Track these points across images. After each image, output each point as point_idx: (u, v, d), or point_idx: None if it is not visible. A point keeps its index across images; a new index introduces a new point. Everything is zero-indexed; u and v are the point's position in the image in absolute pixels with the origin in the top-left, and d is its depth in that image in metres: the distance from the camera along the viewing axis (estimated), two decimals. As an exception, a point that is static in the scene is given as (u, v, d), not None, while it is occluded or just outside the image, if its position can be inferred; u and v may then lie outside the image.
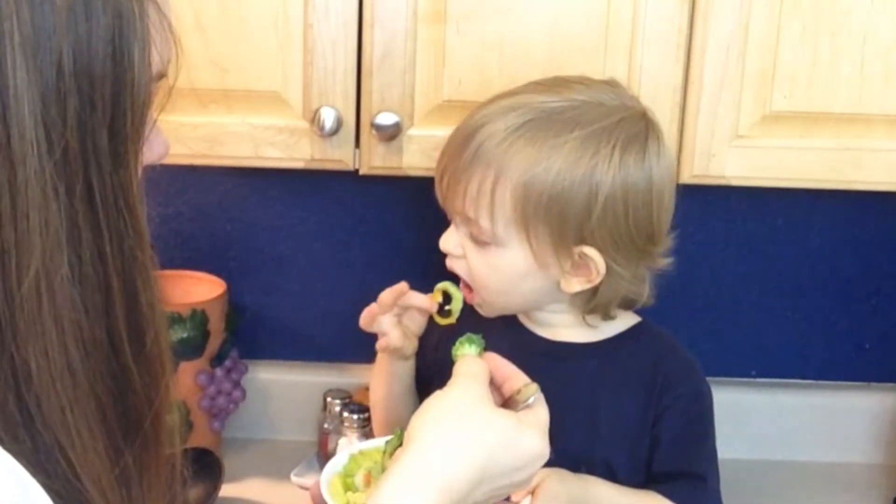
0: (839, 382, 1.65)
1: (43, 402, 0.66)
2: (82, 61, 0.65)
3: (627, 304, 1.24)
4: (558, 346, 1.24)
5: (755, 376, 1.65)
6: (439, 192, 1.20)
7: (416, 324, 1.27)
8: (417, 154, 1.27)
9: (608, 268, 1.15)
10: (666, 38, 1.23)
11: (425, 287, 1.46)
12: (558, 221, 1.13)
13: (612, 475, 1.19)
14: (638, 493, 1.19)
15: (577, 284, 1.17)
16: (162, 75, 0.72)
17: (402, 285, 1.23)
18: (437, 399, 0.89)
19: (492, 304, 1.22)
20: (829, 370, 1.64)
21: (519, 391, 0.93)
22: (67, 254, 0.66)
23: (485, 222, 1.15)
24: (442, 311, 1.23)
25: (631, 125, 1.16)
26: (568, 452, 1.17)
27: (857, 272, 1.61)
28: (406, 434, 0.87)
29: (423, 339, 1.30)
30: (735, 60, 1.23)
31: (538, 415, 0.91)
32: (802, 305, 1.62)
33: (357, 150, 1.27)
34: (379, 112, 1.24)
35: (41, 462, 0.66)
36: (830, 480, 1.58)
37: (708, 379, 1.25)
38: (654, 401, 1.21)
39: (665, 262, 1.21)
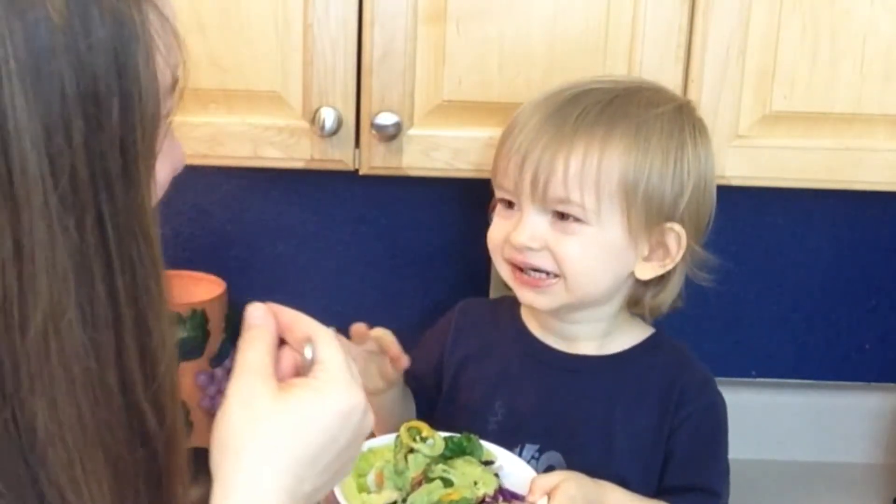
0: (839, 382, 1.65)
1: (49, 458, 0.62)
2: (86, 81, 0.60)
3: (658, 311, 1.24)
4: (573, 359, 1.23)
5: (755, 376, 1.65)
6: (515, 180, 1.14)
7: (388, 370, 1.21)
8: (417, 154, 1.26)
9: (685, 249, 1.16)
10: (666, 38, 1.23)
11: (424, 287, 1.47)
12: (657, 196, 1.14)
13: (624, 488, 1.18)
14: (652, 502, 1.18)
15: (650, 270, 1.17)
16: (175, 82, 0.67)
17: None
18: (220, 418, 0.75)
19: (568, 293, 1.16)
20: (829, 370, 1.64)
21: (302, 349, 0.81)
22: (76, 294, 0.61)
23: (590, 199, 1.12)
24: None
25: (692, 109, 1.20)
26: (582, 466, 1.16)
27: (857, 272, 1.61)
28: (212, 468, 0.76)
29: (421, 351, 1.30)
30: (735, 60, 1.23)
31: (327, 367, 0.78)
32: (802, 305, 1.62)
33: (357, 150, 1.27)
34: (379, 112, 1.24)
35: None
36: (830, 480, 1.58)
37: (708, 379, 1.26)
38: (669, 415, 1.20)
39: (703, 256, 1.21)
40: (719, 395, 1.23)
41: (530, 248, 1.15)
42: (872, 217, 1.58)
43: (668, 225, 1.15)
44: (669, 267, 1.17)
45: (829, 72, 1.24)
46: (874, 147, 1.26)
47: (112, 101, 0.61)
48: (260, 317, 0.82)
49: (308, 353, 0.79)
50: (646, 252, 1.16)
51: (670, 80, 1.24)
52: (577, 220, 1.13)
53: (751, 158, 1.26)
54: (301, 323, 0.82)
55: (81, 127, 0.60)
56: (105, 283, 0.62)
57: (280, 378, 0.78)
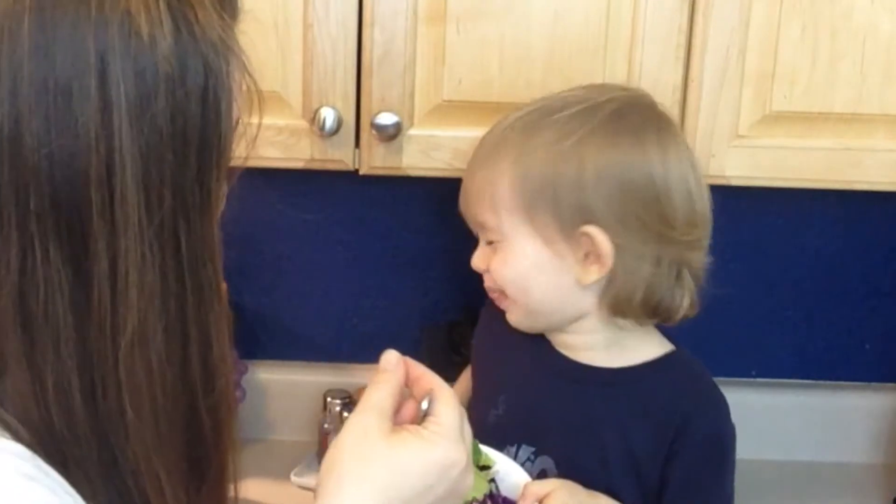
0: (839, 382, 1.65)
1: (130, 451, 0.69)
2: (178, 122, 0.67)
3: (664, 314, 1.18)
4: (580, 368, 1.20)
5: (755, 376, 1.65)
6: (462, 206, 1.21)
7: None
8: (417, 154, 1.27)
9: (617, 248, 1.11)
10: (666, 38, 1.23)
11: (424, 287, 1.46)
12: (554, 200, 1.12)
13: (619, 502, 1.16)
14: None
15: (593, 274, 1.13)
16: (238, 121, 0.74)
17: None
18: (335, 442, 0.86)
19: (521, 308, 1.18)
20: (829, 370, 1.64)
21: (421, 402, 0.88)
22: (159, 309, 0.69)
23: (490, 218, 1.15)
24: None
25: (625, 102, 1.15)
26: (573, 476, 1.14)
27: (857, 272, 1.61)
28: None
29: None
30: (735, 60, 1.23)
31: (440, 421, 0.85)
32: (802, 305, 1.62)
33: (357, 150, 1.27)
34: (379, 112, 1.24)
35: None
36: (830, 480, 1.58)
37: (707, 379, 1.25)
38: (668, 439, 1.15)
39: (700, 262, 1.16)
40: (728, 423, 1.19)
41: (479, 270, 1.20)
42: (872, 217, 1.58)
43: (583, 229, 1.11)
44: (609, 265, 1.12)
45: (828, 72, 1.24)
46: (874, 147, 1.26)
47: (197, 141, 0.68)
48: (393, 364, 0.89)
49: (424, 405, 0.87)
50: (581, 257, 1.13)
51: (670, 80, 1.24)
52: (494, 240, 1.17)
53: (751, 158, 1.26)
54: (427, 378, 0.89)
55: (171, 163, 0.67)
56: (177, 301, 0.70)
57: (397, 423, 0.87)
